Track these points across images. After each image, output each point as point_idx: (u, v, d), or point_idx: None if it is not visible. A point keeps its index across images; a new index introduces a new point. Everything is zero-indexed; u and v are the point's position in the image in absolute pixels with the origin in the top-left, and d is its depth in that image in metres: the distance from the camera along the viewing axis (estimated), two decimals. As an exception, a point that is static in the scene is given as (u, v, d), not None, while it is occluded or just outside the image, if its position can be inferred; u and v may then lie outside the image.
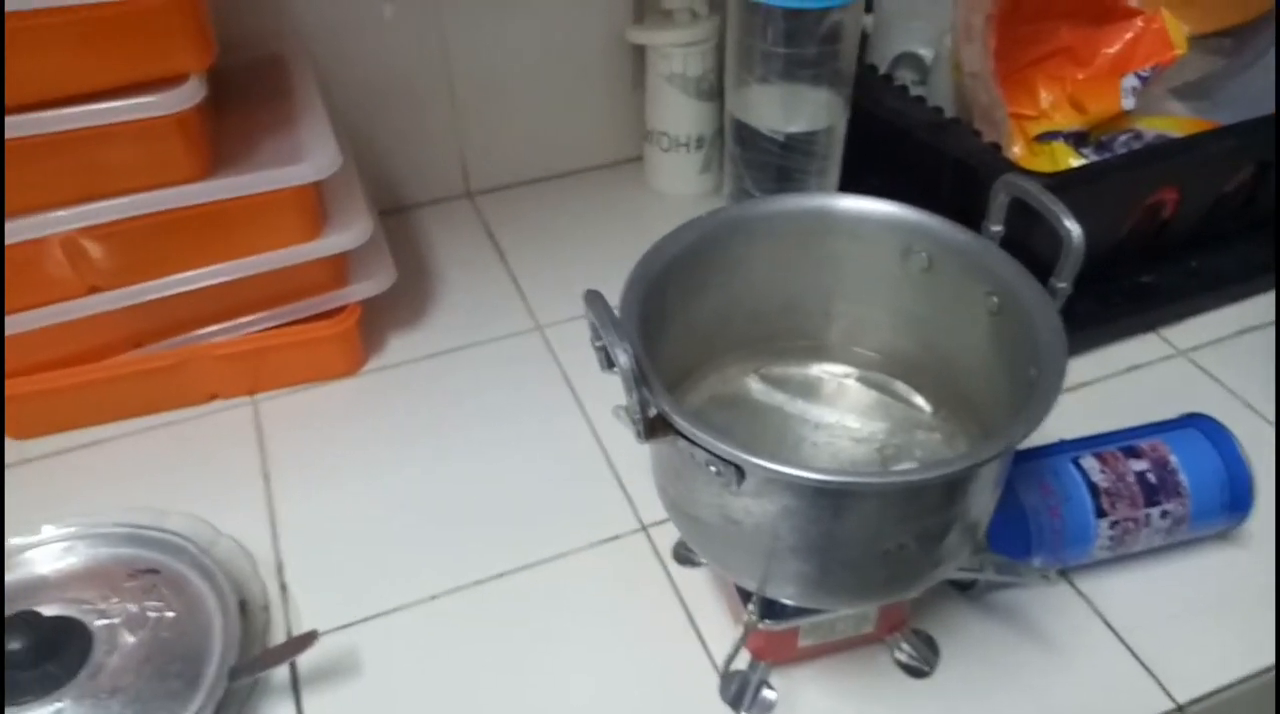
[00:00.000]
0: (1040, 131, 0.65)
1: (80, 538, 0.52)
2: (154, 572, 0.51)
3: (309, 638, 0.47)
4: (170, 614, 0.49)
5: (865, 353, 0.51)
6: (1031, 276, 0.42)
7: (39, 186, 0.54)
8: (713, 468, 0.36)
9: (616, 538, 0.56)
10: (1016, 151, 0.63)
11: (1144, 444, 0.52)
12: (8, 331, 0.58)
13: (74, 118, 0.51)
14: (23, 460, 0.62)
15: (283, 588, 0.54)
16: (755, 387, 0.51)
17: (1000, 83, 0.65)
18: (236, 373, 0.65)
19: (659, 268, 0.43)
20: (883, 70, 0.73)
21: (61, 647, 0.46)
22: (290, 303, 0.64)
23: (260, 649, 0.48)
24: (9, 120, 0.50)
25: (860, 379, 0.51)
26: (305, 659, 0.51)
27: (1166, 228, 0.67)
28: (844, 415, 0.49)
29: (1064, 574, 0.54)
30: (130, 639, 0.47)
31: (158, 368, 0.63)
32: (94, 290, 0.58)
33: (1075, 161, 0.63)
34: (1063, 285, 0.41)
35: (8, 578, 0.50)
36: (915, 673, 0.49)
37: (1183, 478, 0.51)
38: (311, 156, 0.59)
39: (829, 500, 0.35)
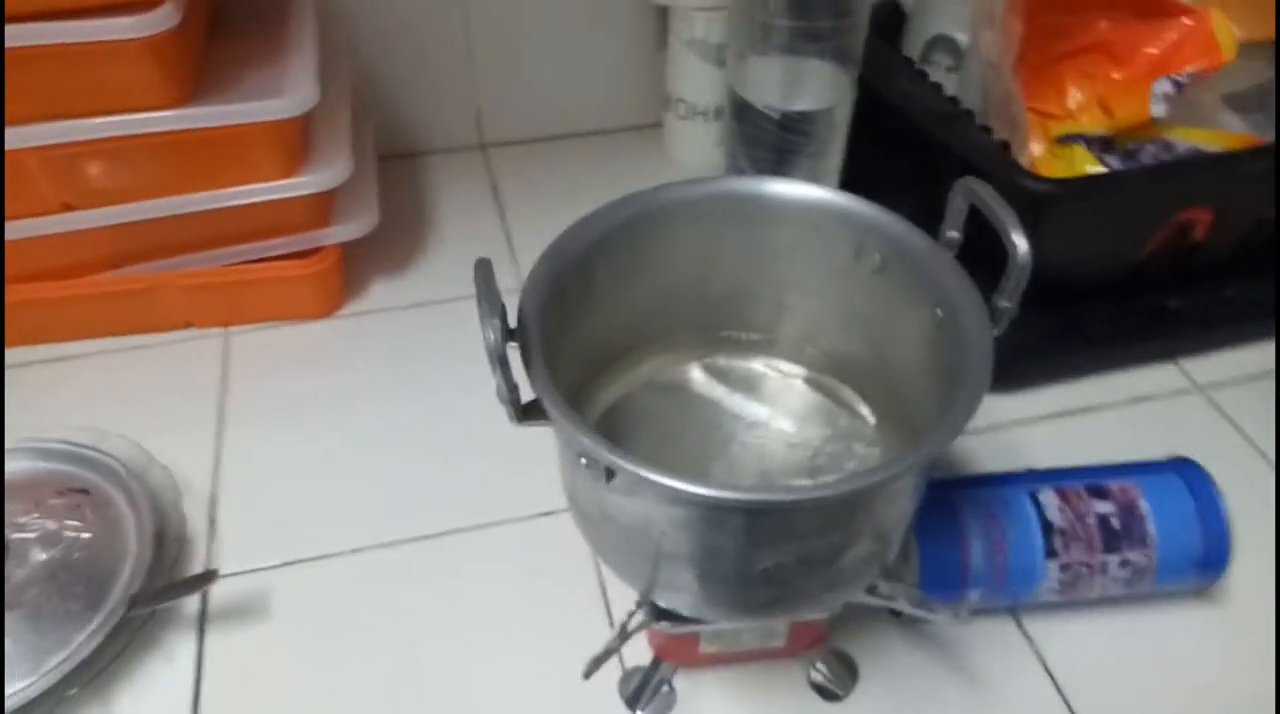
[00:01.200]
0: (1063, 133, 0.60)
1: (16, 450, 0.53)
2: (84, 492, 0.52)
3: (208, 577, 0.47)
4: (86, 535, 0.49)
5: (817, 353, 0.48)
6: (977, 294, 0.38)
7: (13, 100, 0.54)
8: (583, 460, 0.34)
9: (552, 514, 0.55)
10: (1034, 151, 0.58)
11: (1114, 485, 0.48)
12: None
13: (46, 33, 0.51)
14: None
15: (211, 523, 0.54)
16: (697, 376, 0.48)
17: (1023, 76, 0.60)
18: (209, 303, 0.65)
19: (584, 244, 0.41)
20: (917, 53, 0.68)
21: (-30, 555, 0.46)
22: (267, 239, 0.64)
23: (167, 581, 0.48)
24: (-19, 28, 0.50)
25: (808, 381, 0.48)
26: (218, 597, 0.50)
27: (1198, 250, 0.61)
28: (782, 418, 0.46)
29: (1012, 613, 0.50)
30: (41, 556, 0.48)
31: (131, 290, 0.63)
32: (67, 208, 0.58)
33: (1094, 169, 0.58)
34: (1006, 304, 0.37)
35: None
36: (827, 694, 0.47)
37: (1151, 527, 0.47)
38: (292, 92, 0.57)
39: (695, 510, 0.33)
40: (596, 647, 0.41)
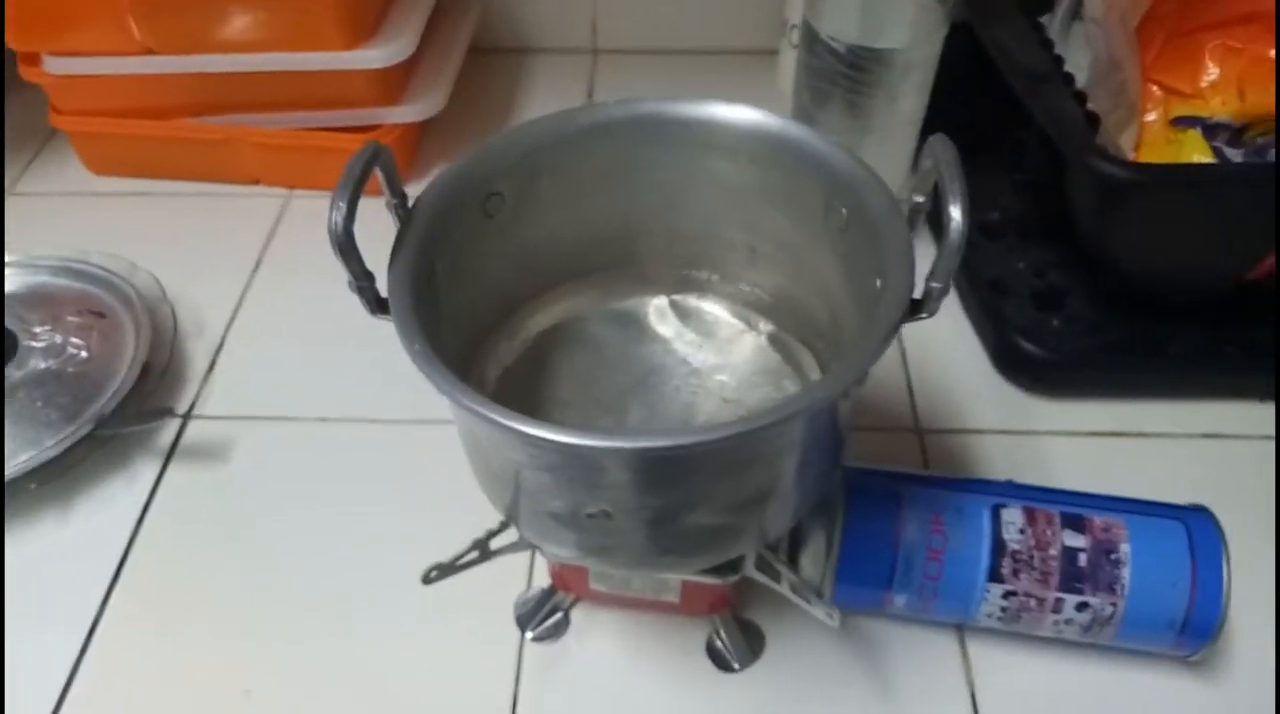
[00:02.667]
0: (1183, 114, 0.50)
1: (58, 267, 0.57)
2: (99, 315, 0.56)
3: (162, 412, 0.50)
4: (84, 355, 0.53)
5: (785, 310, 0.44)
6: (912, 270, 0.33)
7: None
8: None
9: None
10: (1136, 131, 0.50)
11: (1099, 519, 0.42)
12: (76, 71, 0.63)
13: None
14: (89, 192, 0.69)
15: (211, 366, 0.57)
16: (655, 310, 0.45)
17: (1158, 43, 0.52)
18: (277, 163, 0.67)
19: (523, 149, 0.39)
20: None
21: (-15, 349, 0.51)
22: (332, 109, 0.65)
23: (136, 409, 0.51)
24: None
25: (771, 337, 0.44)
26: (193, 434, 0.53)
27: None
28: (728, 371, 0.43)
29: (958, 629, 0.45)
30: (40, 364, 0.52)
31: (207, 139, 0.66)
32: (149, 52, 0.62)
33: (1201, 160, 0.49)
34: (935, 285, 0.32)
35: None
36: (720, 662, 0.44)
37: (1125, 573, 0.40)
38: (354, -37, 0.58)
39: (499, 435, 0.31)
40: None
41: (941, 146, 0.32)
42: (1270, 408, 0.54)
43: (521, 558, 0.47)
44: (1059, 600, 0.41)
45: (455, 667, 0.44)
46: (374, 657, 0.44)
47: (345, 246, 0.31)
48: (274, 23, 0.60)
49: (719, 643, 0.44)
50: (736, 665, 0.44)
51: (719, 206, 0.42)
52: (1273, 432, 0.53)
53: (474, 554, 0.39)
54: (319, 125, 0.66)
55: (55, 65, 0.63)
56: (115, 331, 0.55)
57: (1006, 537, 0.41)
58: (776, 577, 0.39)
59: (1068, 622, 0.41)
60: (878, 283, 0.34)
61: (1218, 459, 0.52)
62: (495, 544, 0.40)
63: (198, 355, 0.57)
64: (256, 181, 0.69)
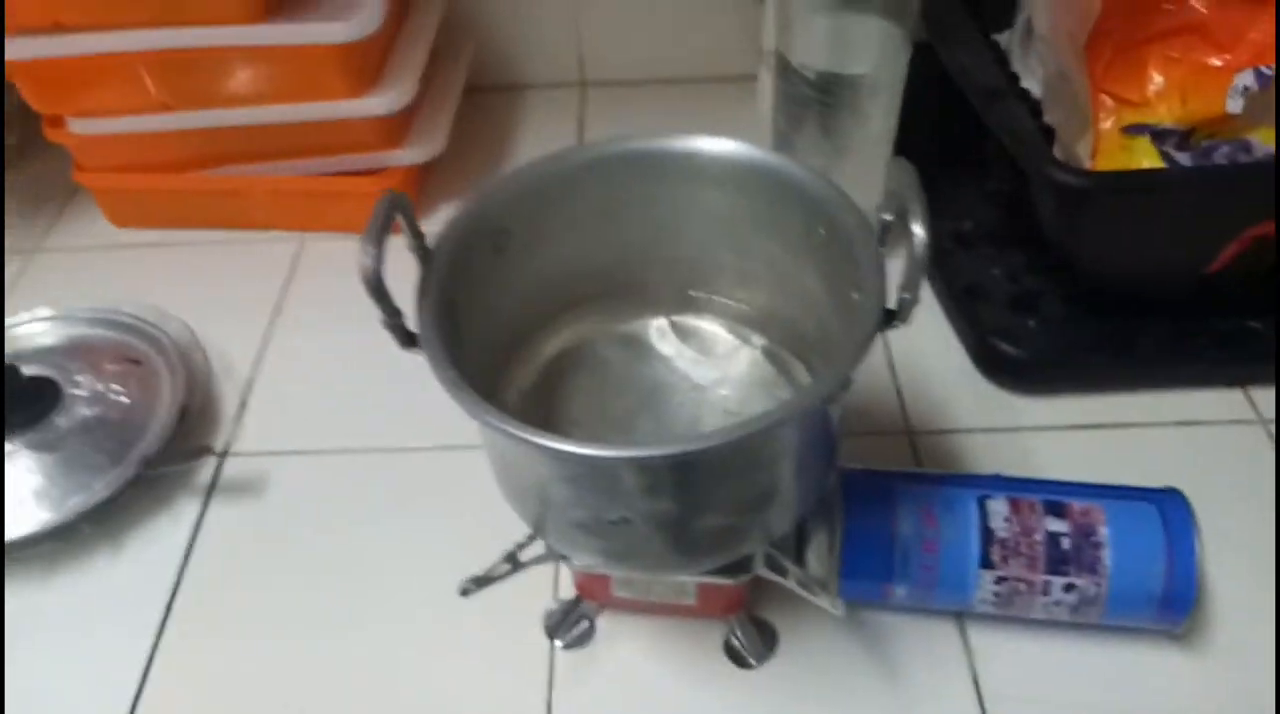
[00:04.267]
0: (1132, 122, 0.54)
1: (95, 318, 0.61)
2: (136, 362, 0.59)
3: (201, 451, 0.53)
4: (125, 401, 0.56)
5: (777, 325, 0.47)
6: (883, 283, 0.36)
7: (129, 9, 0.60)
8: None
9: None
10: (1091, 140, 0.53)
11: (1077, 504, 0.45)
12: (99, 131, 0.66)
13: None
14: (113, 244, 0.73)
15: (243, 405, 0.60)
16: (657, 331, 0.49)
17: (1106, 56, 0.55)
18: (290, 208, 0.71)
19: (532, 185, 0.42)
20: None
21: (33, 401, 0.54)
22: (340, 154, 0.69)
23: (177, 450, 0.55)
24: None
25: (766, 351, 0.47)
26: (231, 472, 0.57)
27: (1285, 269, 0.55)
28: (728, 385, 0.46)
29: (957, 617, 0.49)
30: (84, 412, 0.55)
31: (223, 189, 0.70)
32: (166, 108, 0.65)
33: (1152, 165, 0.52)
34: (906, 295, 0.35)
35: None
36: (738, 660, 0.47)
37: (1105, 554, 0.44)
38: (355, 17, 0.61)
39: (527, 452, 0.34)
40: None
41: (901, 170, 0.36)
42: (1237, 393, 0.58)
43: (547, 572, 0.51)
44: (1047, 583, 0.44)
45: (491, 677, 0.47)
46: (414, 671, 0.48)
47: (378, 289, 0.35)
48: (282, 75, 0.63)
49: (736, 642, 0.48)
50: (754, 662, 0.47)
51: (710, 232, 0.46)
52: (1242, 416, 0.57)
53: (506, 566, 0.43)
54: (327, 171, 0.69)
55: (79, 126, 0.66)
56: (152, 377, 0.58)
57: (993, 525, 0.45)
58: (784, 573, 0.42)
59: (1057, 603, 0.45)
60: (854, 296, 0.38)
61: (1190, 444, 0.56)
62: (524, 556, 0.43)
63: (229, 395, 0.61)
64: (270, 227, 0.73)
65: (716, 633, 0.48)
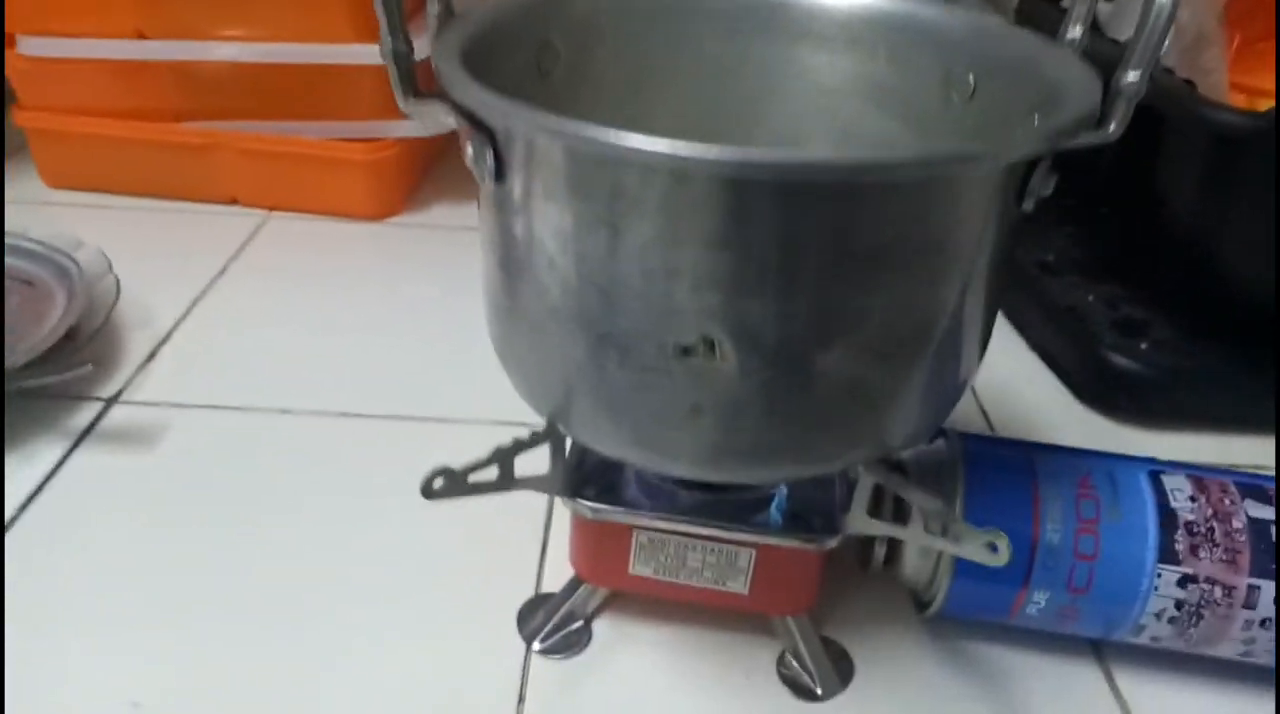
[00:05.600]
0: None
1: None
2: (28, 283, 0.47)
3: (76, 364, 0.40)
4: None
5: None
6: (1088, 70, 0.26)
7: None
8: (469, 148, 0.24)
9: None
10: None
11: (1284, 490, 0.33)
12: (53, 53, 0.57)
13: None
14: (41, 201, 0.61)
15: (152, 355, 0.47)
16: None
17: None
18: (261, 175, 0.61)
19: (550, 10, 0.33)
20: None
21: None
22: (331, 118, 0.59)
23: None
24: None
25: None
26: (114, 419, 0.43)
27: None
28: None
29: (1096, 654, 0.35)
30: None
31: (190, 144, 0.60)
32: (140, 35, 0.56)
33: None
34: (1131, 78, 0.25)
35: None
36: (797, 688, 0.33)
37: (1335, 553, 0.31)
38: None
39: (596, 175, 0.22)
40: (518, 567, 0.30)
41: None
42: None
43: (530, 555, 0.37)
44: (1253, 589, 0.31)
45: (437, 693, 0.32)
46: (312, 672, 0.32)
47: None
48: (283, 6, 0.55)
49: (795, 663, 0.33)
50: (820, 690, 0.32)
51: (808, 107, 0.35)
52: None
53: (493, 469, 0.29)
54: (316, 135, 0.60)
55: (31, 46, 0.57)
56: (44, 300, 0.45)
57: (1175, 505, 0.32)
58: (905, 516, 0.29)
59: (1263, 624, 0.31)
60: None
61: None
62: (521, 469, 0.30)
63: (139, 344, 0.48)
64: (234, 200, 0.62)
65: (765, 651, 0.34)
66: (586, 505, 0.31)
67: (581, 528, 0.33)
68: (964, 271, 0.24)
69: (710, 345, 0.23)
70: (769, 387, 0.24)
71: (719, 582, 0.32)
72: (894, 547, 0.33)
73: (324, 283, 0.55)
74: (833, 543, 0.30)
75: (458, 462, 0.28)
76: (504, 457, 0.29)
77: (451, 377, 0.47)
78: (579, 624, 0.34)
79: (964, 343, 0.26)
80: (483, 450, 0.29)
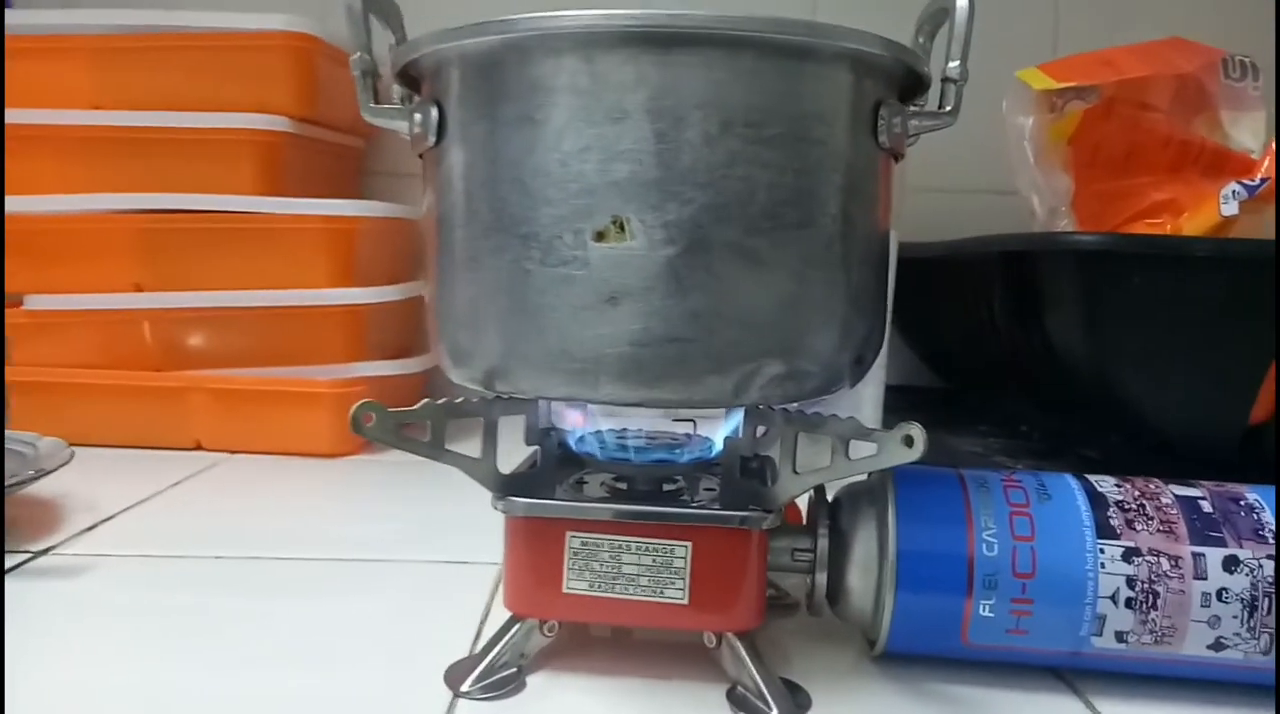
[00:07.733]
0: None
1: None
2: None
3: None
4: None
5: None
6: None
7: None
8: (416, 119, 0.29)
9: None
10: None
11: (1204, 482, 0.33)
12: (66, 307, 0.63)
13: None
14: None
15: (90, 528, 0.47)
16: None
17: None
18: (223, 418, 0.63)
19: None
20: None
21: None
22: (306, 363, 0.64)
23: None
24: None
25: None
26: (45, 564, 0.42)
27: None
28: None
29: (1067, 682, 0.32)
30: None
31: (162, 389, 0.63)
32: (138, 288, 0.63)
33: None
34: (953, 65, 0.31)
35: None
36: (746, 709, 0.30)
37: (1268, 517, 0.31)
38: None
39: (515, 73, 0.27)
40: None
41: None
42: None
43: (469, 617, 0.35)
44: (1198, 557, 0.30)
45: None
46: None
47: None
48: (266, 254, 0.63)
49: (746, 691, 0.31)
50: (775, 711, 0.30)
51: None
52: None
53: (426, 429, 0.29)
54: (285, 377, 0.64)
55: (37, 302, 0.63)
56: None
57: (1102, 490, 0.32)
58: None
59: (1220, 595, 0.30)
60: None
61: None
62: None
63: (79, 520, 0.47)
64: (198, 445, 0.64)
65: (712, 694, 0.31)
66: (520, 502, 0.31)
67: (514, 547, 0.32)
68: (833, 167, 0.28)
69: (620, 227, 0.26)
70: (674, 265, 0.26)
71: (657, 590, 0.31)
72: (835, 579, 0.33)
73: (281, 521, 0.55)
74: (769, 521, 0.30)
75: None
76: (435, 414, 0.30)
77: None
78: (512, 670, 0.32)
79: (851, 265, 0.29)
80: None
